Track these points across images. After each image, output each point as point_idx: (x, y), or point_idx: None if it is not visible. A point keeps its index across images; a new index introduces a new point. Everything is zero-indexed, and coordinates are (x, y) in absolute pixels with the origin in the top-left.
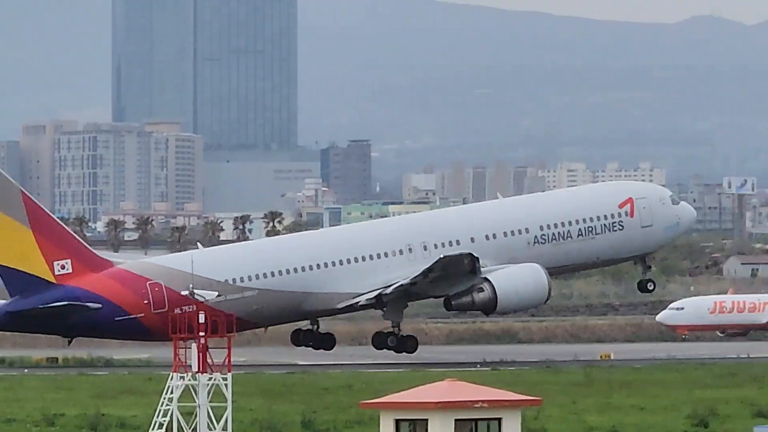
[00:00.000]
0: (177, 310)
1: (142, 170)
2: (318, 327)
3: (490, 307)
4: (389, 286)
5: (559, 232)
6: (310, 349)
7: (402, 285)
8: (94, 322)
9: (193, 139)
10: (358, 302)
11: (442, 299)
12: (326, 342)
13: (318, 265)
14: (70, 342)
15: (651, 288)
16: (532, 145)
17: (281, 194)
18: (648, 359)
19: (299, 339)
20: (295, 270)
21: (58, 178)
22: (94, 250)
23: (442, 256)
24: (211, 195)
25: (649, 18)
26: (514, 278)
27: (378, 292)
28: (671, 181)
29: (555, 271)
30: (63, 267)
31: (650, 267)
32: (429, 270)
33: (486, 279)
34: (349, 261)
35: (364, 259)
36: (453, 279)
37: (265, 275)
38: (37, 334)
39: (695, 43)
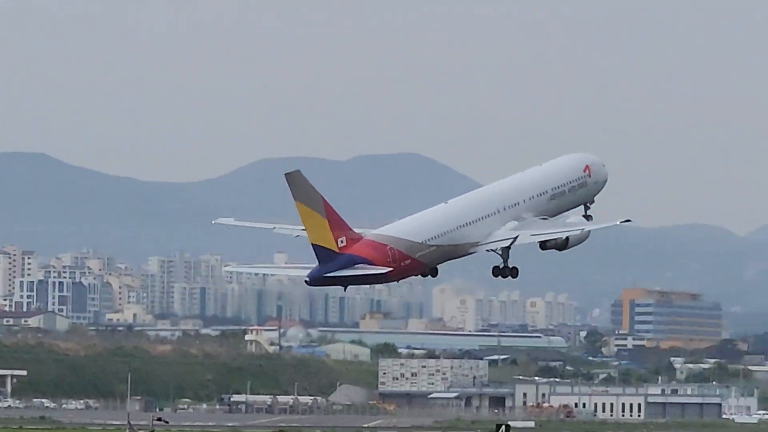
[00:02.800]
0: (402, 264)
1: None
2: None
3: (563, 246)
4: (515, 238)
5: (561, 191)
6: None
7: (561, 237)
8: (366, 276)
9: None
10: (493, 247)
11: (539, 243)
12: (433, 272)
13: (461, 226)
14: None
15: (589, 220)
16: None
17: None
18: None
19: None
20: (451, 230)
21: None
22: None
23: (621, 221)
24: None
25: None
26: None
27: (510, 239)
28: None
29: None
30: (342, 242)
31: (589, 207)
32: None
33: None
34: (474, 221)
35: (480, 219)
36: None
37: (438, 236)
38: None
39: None
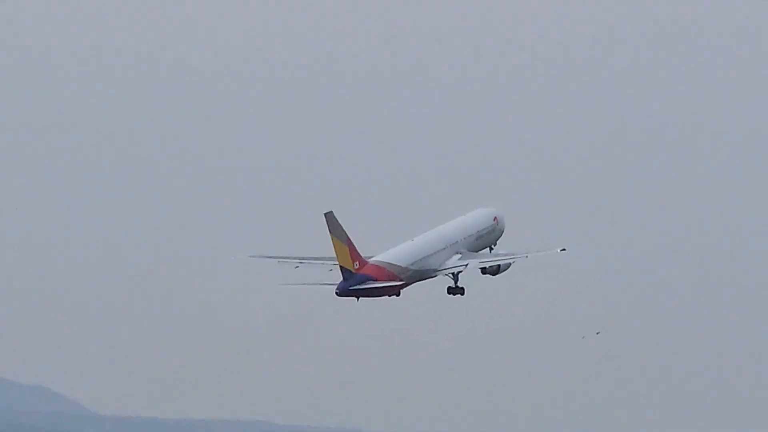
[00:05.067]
0: (395, 282)
1: None
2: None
3: (496, 272)
4: (462, 266)
5: (480, 234)
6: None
7: (498, 264)
8: (373, 289)
9: None
10: (451, 272)
11: (481, 269)
12: (397, 293)
13: (426, 256)
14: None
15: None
16: None
17: None
18: None
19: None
20: (422, 258)
21: None
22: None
23: (559, 249)
24: None
25: None
26: (504, 259)
27: (463, 266)
28: None
29: (479, 251)
30: (356, 264)
31: (492, 248)
32: (509, 256)
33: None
34: (434, 253)
35: (437, 252)
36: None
37: (414, 262)
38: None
39: None
